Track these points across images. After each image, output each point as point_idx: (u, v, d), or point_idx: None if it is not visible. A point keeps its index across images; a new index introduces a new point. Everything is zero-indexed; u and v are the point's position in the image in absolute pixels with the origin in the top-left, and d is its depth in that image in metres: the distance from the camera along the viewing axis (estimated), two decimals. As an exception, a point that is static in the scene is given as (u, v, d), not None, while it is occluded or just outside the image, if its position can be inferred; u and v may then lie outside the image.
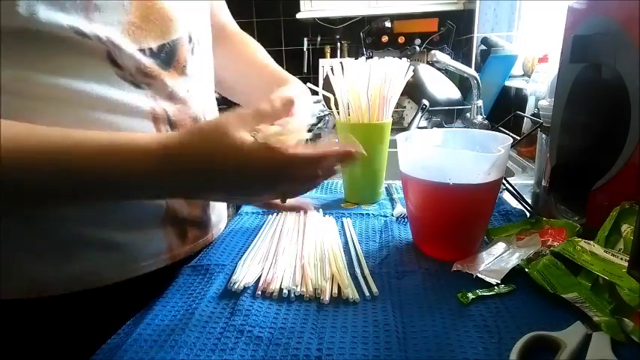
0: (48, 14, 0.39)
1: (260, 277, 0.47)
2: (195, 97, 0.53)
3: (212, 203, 0.60)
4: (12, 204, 0.37)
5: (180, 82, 0.50)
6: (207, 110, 0.56)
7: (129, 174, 0.37)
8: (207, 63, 0.58)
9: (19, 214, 0.42)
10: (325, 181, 0.82)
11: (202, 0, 0.56)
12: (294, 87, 0.55)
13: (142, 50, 0.45)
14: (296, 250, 0.53)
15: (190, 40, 0.51)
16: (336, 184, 0.82)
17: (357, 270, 0.49)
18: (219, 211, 0.62)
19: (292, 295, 0.44)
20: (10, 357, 0.47)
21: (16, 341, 0.47)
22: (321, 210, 0.67)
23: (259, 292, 0.45)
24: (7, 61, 0.39)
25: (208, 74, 0.58)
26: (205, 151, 0.38)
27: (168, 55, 0.48)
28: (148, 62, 0.46)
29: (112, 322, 0.43)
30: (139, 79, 0.46)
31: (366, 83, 0.64)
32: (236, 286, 0.46)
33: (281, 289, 0.45)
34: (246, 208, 0.70)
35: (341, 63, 0.66)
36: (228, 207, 0.70)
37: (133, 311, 0.44)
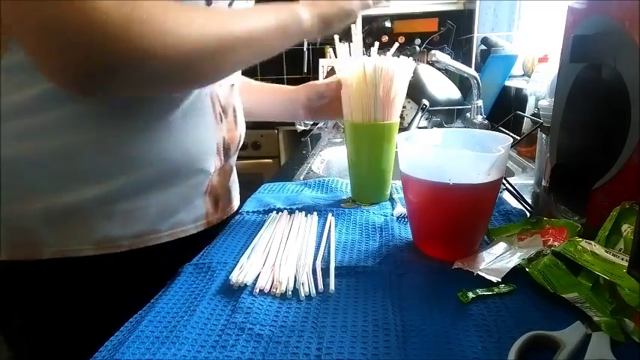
0: None
1: (259, 275, 0.48)
2: (235, 88, 0.65)
3: (232, 179, 0.69)
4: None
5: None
6: (237, 104, 0.66)
7: None
8: None
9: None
10: (326, 181, 0.83)
11: None
12: None
13: None
14: (298, 250, 0.53)
15: None
16: (337, 184, 0.82)
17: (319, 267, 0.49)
18: (236, 188, 0.73)
19: (289, 293, 0.45)
20: (76, 309, 0.54)
21: (78, 295, 0.53)
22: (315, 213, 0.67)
23: (257, 291, 0.45)
24: None
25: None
26: None
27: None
28: None
29: (159, 280, 0.49)
30: None
31: (374, 80, 0.64)
32: (234, 280, 0.46)
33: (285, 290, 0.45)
34: (246, 208, 0.70)
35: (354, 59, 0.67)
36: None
37: (176, 269, 0.51)
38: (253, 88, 0.83)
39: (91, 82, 0.39)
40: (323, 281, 0.47)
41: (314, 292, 0.45)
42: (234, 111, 0.65)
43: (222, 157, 0.62)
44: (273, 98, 0.84)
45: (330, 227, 0.61)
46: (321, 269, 0.49)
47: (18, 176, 0.48)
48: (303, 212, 0.66)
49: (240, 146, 0.68)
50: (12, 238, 0.50)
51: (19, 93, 0.46)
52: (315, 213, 0.65)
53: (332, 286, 0.46)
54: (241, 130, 0.67)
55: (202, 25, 0.42)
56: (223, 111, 0.61)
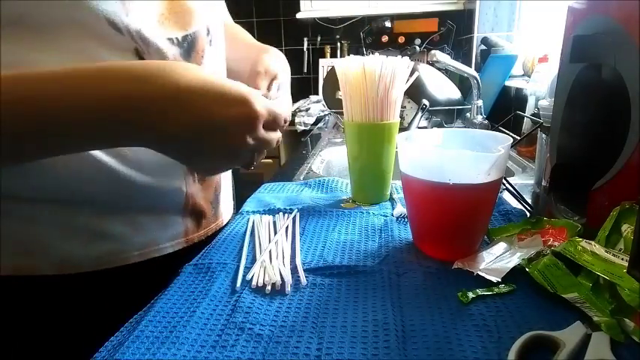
0: None
1: (258, 274, 0.48)
2: None
3: (222, 192, 0.64)
4: None
5: None
6: None
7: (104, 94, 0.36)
8: (221, 56, 0.61)
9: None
10: (326, 181, 0.83)
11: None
12: (276, 59, 0.58)
13: (170, 39, 0.49)
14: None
15: (208, 32, 0.55)
16: (337, 184, 0.82)
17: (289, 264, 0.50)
18: (226, 200, 0.67)
19: (268, 288, 0.46)
20: (37, 330, 0.50)
21: (44, 316, 0.50)
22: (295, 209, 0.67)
23: (254, 285, 0.46)
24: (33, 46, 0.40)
25: (222, 67, 0.62)
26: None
27: (189, 45, 0.51)
28: (174, 52, 0.49)
29: (130, 302, 0.45)
30: None
31: (374, 80, 0.64)
32: (238, 283, 0.46)
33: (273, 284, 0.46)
34: (246, 208, 0.70)
35: (358, 57, 0.66)
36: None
37: (150, 292, 0.46)
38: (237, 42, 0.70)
39: None
40: (319, 279, 0.47)
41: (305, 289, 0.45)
42: None
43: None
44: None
45: (295, 222, 0.62)
46: (319, 267, 0.49)
47: None
48: (303, 212, 0.66)
49: None
50: None
51: None
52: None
53: (303, 280, 0.47)
54: None
55: None
56: None
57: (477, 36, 1.87)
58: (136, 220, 0.52)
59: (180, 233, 0.57)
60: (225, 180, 0.66)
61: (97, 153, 0.46)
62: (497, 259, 0.49)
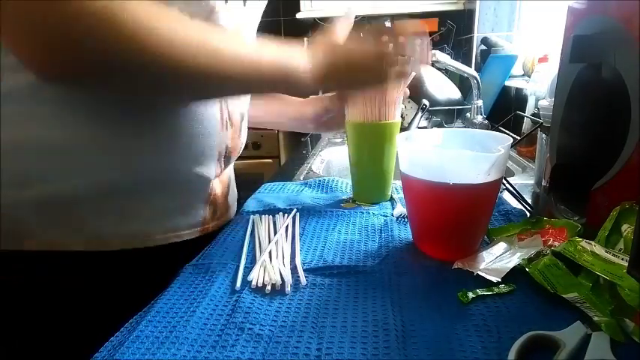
0: None
1: (257, 274, 0.48)
2: (240, 98, 0.63)
3: (231, 186, 0.68)
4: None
5: None
6: (245, 111, 0.66)
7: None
8: None
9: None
10: (326, 181, 0.83)
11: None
12: None
13: None
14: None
15: None
16: (337, 184, 0.82)
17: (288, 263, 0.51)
18: (233, 198, 0.70)
19: (268, 288, 0.46)
20: (35, 330, 0.51)
21: (42, 316, 0.51)
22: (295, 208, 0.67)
23: (254, 285, 0.46)
24: None
25: None
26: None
27: None
28: None
29: (150, 281, 0.48)
30: None
31: None
32: (238, 283, 0.46)
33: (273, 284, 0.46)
34: (247, 208, 0.70)
35: None
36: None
37: (150, 290, 0.47)
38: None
39: (81, 83, 0.42)
40: (319, 279, 0.47)
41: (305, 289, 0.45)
42: (242, 119, 0.64)
43: (223, 165, 0.61)
44: (281, 109, 0.82)
45: (295, 222, 0.62)
46: (319, 267, 0.49)
47: (13, 162, 0.46)
48: (303, 212, 0.66)
49: (240, 154, 0.67)
50: (1, 227, 0.47)
51: (16, 76, 0.44)
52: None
53: (303, 280, 0.47)
54: (244, 138, 0.67)
55: (197, 45, 0.42)
56: (230, 118, 0.60)
57: (477, 36, 1.86)
58: (164, 203, 0.54)
59: (199, 222, 0.59)
60: (232, 179, 0.69)
61: (137, 134, 0.50)
62: (497, 259, 0.49)
